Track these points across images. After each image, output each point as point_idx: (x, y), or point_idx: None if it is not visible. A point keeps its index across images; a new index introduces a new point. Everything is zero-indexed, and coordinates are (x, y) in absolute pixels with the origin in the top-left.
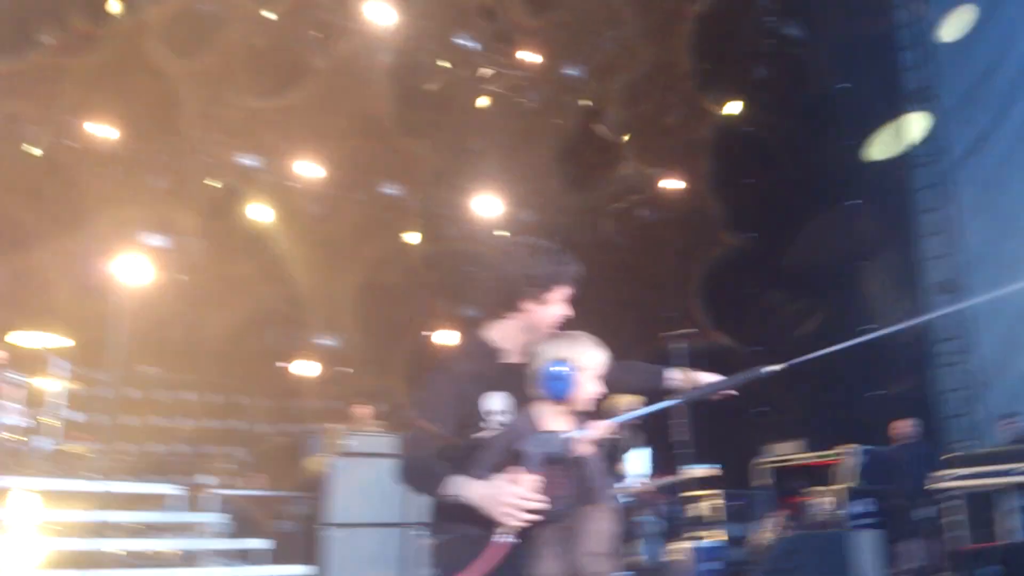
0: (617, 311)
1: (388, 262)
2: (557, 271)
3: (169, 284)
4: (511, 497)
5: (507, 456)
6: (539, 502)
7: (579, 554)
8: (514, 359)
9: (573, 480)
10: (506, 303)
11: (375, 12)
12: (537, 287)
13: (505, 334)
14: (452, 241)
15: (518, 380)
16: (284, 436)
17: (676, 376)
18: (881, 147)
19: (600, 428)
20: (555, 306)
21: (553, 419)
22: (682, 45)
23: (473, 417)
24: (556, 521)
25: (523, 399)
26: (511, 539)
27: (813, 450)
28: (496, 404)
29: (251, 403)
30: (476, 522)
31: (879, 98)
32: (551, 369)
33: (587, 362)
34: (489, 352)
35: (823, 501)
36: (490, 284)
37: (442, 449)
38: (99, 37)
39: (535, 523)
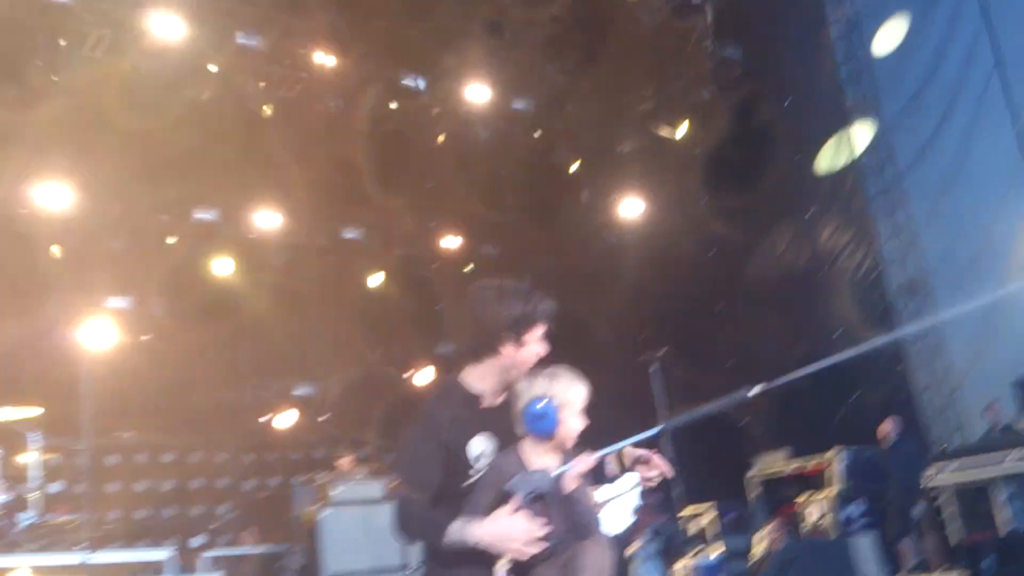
0: (591, 338)
1: (357, 306)
2: (531, 312)
3: (137, 346)
4: (519, 532)
5: (497, 497)
6: (544, 534)
7: None
8: (492, 401)
9: (564, 516)
10: (483, 347)
11: (323, 59)
12: (513, 330)
13: (482, 376)
14: (420, 280)
15: (498, 422)
16: (270, 490)
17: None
18: (828, 160)
19: (586, 462)
20: (532, 346)
21: (539, 457)
22: (629, 72)
23: (461, 465)
24: (549, 558)
25: (505, 440)
26: None
27: (799, 456)
28: (479, 448)
29: (232, 459)
30: (472, 563)
31: (824, 113)
32: (534, 408)
33: (569, 398)
34: (467, 397)
35: (815, 507)
36: (466, 330)
37: (435, 498)
38: (50, 95)
39: (530, 560)
